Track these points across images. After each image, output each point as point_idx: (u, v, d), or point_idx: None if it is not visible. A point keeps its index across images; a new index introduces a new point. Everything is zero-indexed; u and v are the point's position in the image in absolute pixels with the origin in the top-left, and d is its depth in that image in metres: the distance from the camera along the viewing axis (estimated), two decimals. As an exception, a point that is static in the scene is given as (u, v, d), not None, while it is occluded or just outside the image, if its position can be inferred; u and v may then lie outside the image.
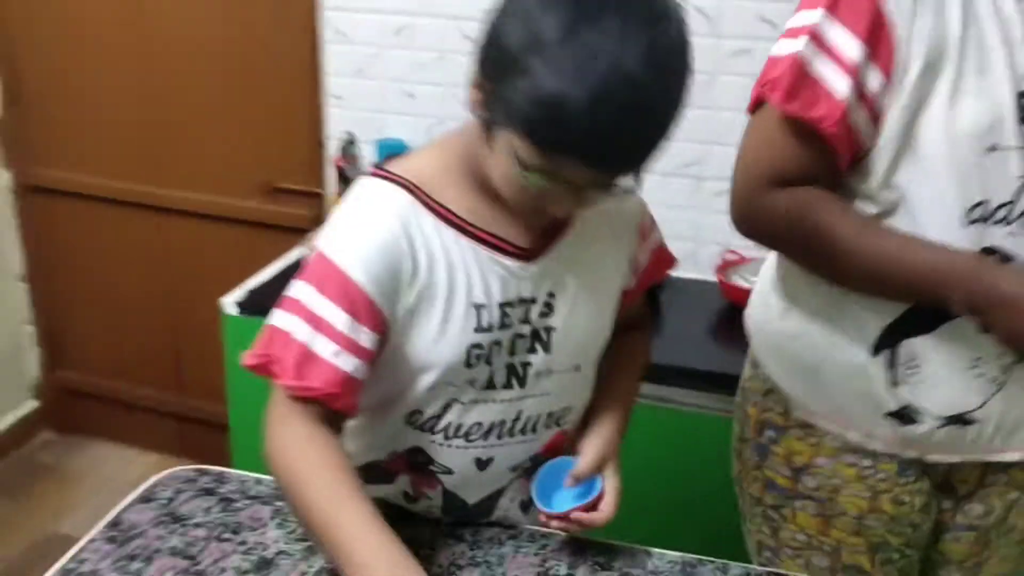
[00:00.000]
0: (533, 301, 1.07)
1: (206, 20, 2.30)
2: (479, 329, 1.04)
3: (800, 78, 1.07)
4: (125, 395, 2.81)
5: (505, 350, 1.07)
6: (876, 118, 1.07)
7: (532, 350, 1.08)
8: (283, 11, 2.22)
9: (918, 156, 1.05)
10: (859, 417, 1.19)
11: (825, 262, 1.12)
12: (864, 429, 1.20)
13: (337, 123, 2.19)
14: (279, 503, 1.17)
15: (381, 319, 1.00)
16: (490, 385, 1.07)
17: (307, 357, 0.98)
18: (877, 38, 1.03)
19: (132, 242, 2.63)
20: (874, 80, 1.05)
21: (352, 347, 0.98)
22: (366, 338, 0.99)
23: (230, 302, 1.91)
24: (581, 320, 1.10)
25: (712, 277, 1.96)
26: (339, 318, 0.98)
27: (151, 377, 2.77)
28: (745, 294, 1.79)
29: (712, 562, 1.12)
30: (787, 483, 1.27)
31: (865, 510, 1.22)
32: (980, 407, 1.13)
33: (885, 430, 1.18)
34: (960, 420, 1.14)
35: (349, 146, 2.18)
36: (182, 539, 1.12)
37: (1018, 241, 1.05)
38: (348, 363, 0.98)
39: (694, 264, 2.03)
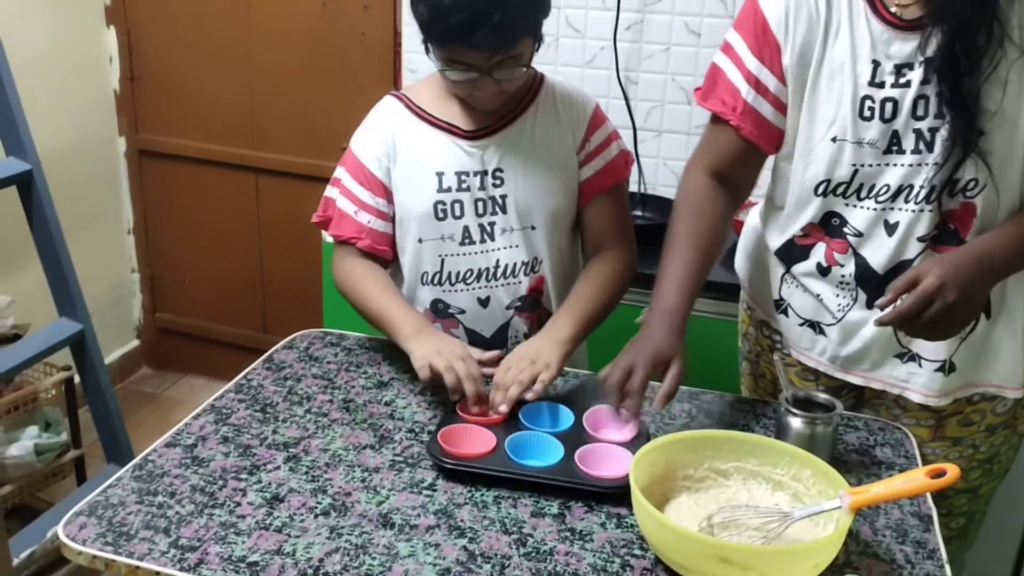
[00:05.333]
0: (485, 173, 1.49)
1: (304, 7, 2.73)
2: (440, 190, 1.49)
3: (713, 81, 1.39)
4: (215, 334, 3.25)
5: (470, 211, 1.49)
6: (783, 109, 1.35)
7: (494, 212, 1.50)
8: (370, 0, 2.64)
9: (789, 139, 1.37)
10: (764, 300, 1.55)
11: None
12: (766, 310, 1.56)
13: (411, 93, 2.61)
14: (387, 350, 1.58)
15: (382, 186, 1.53)
16: (467, 239, 1.51)
17: (340, 215, 1.54)
18: (765, 49, 1.33)
19: (228, 199, 3.06)
20: (770, 81, 1.34)
21: (364, 207, 1.53)
22: (374, 200, 1.52)
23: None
24: (529, 188, 1.50)
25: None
26: (355, 188, 1.53)
27: (239, 318, 3.19)
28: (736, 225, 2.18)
29: (713, 392, 1.51)
30: (739, 346, 1.68)
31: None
32: (830, 324, 1.43)
33: (776, 316, 1.52)
34: (814, 326, 1.46)
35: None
36: (320, 368, 1.53)
37: (851, 210, 1.34)
38: (364, 217, 1.53)
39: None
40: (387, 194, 1.53)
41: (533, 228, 1.52)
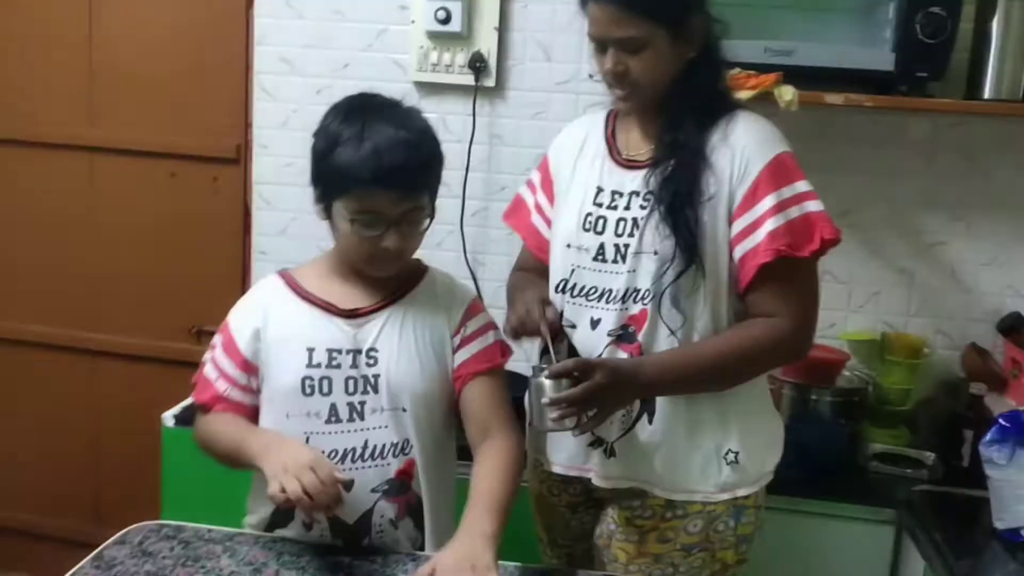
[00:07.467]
0: (359, 351, 1.51)
1: (150, 192, 2.74)
2: (309, 365, 1.50)
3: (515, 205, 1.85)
4: (41, 528, 2.99)
5: (339, 388, 1.50)
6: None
7: (365, 391, 1.51)
8: (220, 184, 2.68)
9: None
10: None
11: None
12: None
13: (260, 274, 2.60)
14: (228, 542, 1.51)
15: (246, 361, 1.55)
16: (334, 418, 1.50)
17: (204, 380, 1.57)
18: (545, 183, 1.76)
19: (60, 384, 2.90)
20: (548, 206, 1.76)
21: (225, 376, 1.56)
22: (235, 372, 1.55)
23: (169, 416, 2.23)
24: (402, 370, 1.52)
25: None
26: (221, 357, 1.57)
27: (70, 510, 2.96)
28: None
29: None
30: None
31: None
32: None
33: None
34: None
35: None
36: (154, 564, 1.44)
37: (568, 307, 1.63)
38: (222, 385, 1.55)
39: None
40: (251, 368, 1.55)
41: (404, 410, 1.52)
